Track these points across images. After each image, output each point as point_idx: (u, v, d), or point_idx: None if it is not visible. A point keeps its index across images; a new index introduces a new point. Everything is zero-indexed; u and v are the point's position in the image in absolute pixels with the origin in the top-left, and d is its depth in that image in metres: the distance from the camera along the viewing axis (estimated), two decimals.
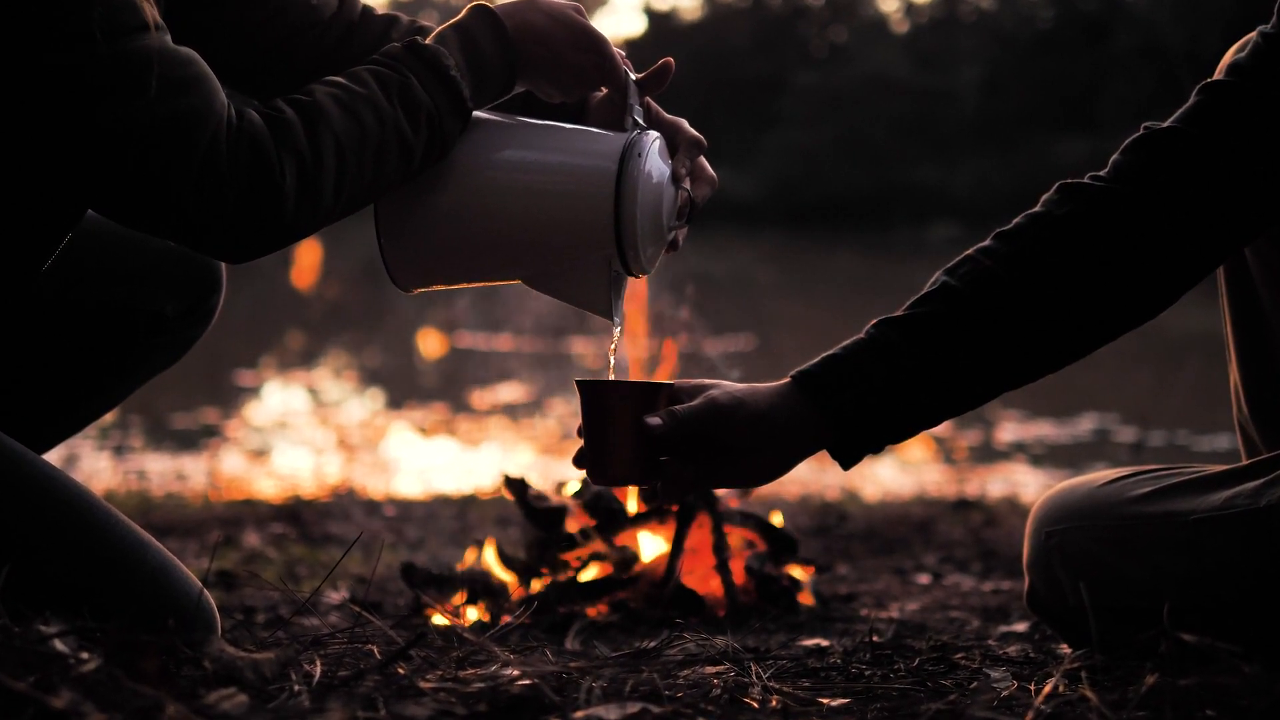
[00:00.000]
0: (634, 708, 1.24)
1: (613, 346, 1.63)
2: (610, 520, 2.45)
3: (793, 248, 24.00)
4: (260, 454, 5.85)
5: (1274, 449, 1.73)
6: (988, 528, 3.66)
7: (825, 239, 24.98)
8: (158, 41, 1.38)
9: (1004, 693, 1.45)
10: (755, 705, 1.36)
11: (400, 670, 1.35)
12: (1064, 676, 1.47)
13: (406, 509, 3.91)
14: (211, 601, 1.61)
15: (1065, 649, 1.81)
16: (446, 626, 2.08)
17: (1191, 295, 1.56)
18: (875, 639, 1.79)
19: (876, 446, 1.54)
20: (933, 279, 1.54)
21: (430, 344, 10.36)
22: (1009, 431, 6.61)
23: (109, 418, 5.85)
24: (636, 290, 2.73)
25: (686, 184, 1.61)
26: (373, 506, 3.97)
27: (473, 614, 2.36)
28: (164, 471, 5.18)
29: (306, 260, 19.04)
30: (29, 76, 1.34)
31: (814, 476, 4.99)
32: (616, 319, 1.60)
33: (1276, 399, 1.74)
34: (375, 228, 1.57)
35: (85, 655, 1.17)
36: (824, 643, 2.08)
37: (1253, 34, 1.55)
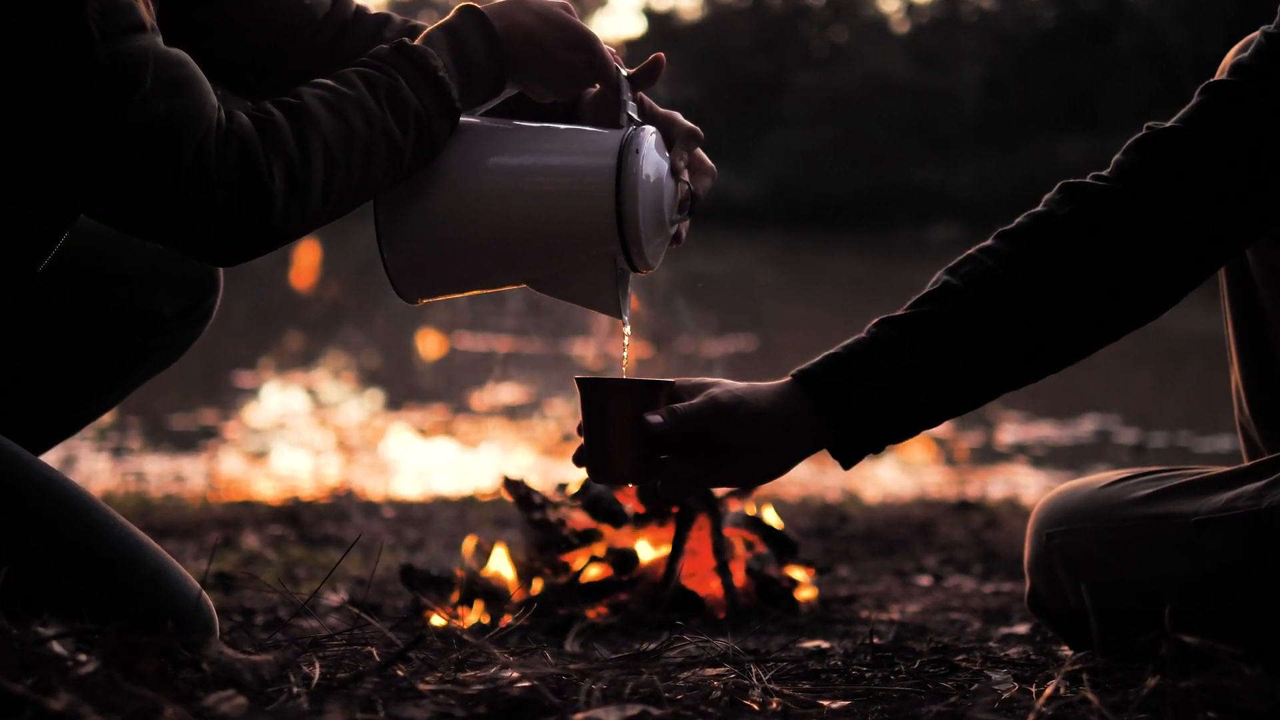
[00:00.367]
0: (634, 710, 1.24)
1: (625, 345, 1.63)
2: (610, 522, 2.45)
3: (793, 248, 24.00)
4: (259, 455, 5.85)
5: (1275, 450, 1.72)
6: (989, 529, 3.66)
7: (826, 239, 24.99)
8: (151, 42, 1.38)
9: (1005, 695, 1.45)
10: (755, 707, 1.36)
11: (399, 672, 1.35)
12: (1065, 678, 1.47)
13: (406, 510, 3.91)
14: (210, 603, 1.61)
15: (1066, 651, 1.81)
16: (445, 628, 2.08)
17: (1193, 296, 1.56)
18: (876, 641, 1.79)
19: (877, 446, 1.54)
20: (934, 278, 1.54)
21: (429, 345, 10.35)
22: (1010, 433, 6.60)
23: (107, 419, 5.85)
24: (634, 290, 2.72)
25: (685, 176, 1.61)
26: (372, 508, 3.97)
27: (472, 616, 2.36)
28: (162, 473, 5.18)
29: (305, 261, 19.05)
30: (24, 75, 1.33)
31: (814, 478, 4.98)
32: (624, 316, 1.59)
33: (1278, 400, 1.74)
34: (377, 241, 1.56)
35: (83, 657, 1.17)
36: (824, 644, 2.08)
37: (1255, 34, 1.54)
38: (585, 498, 2.48)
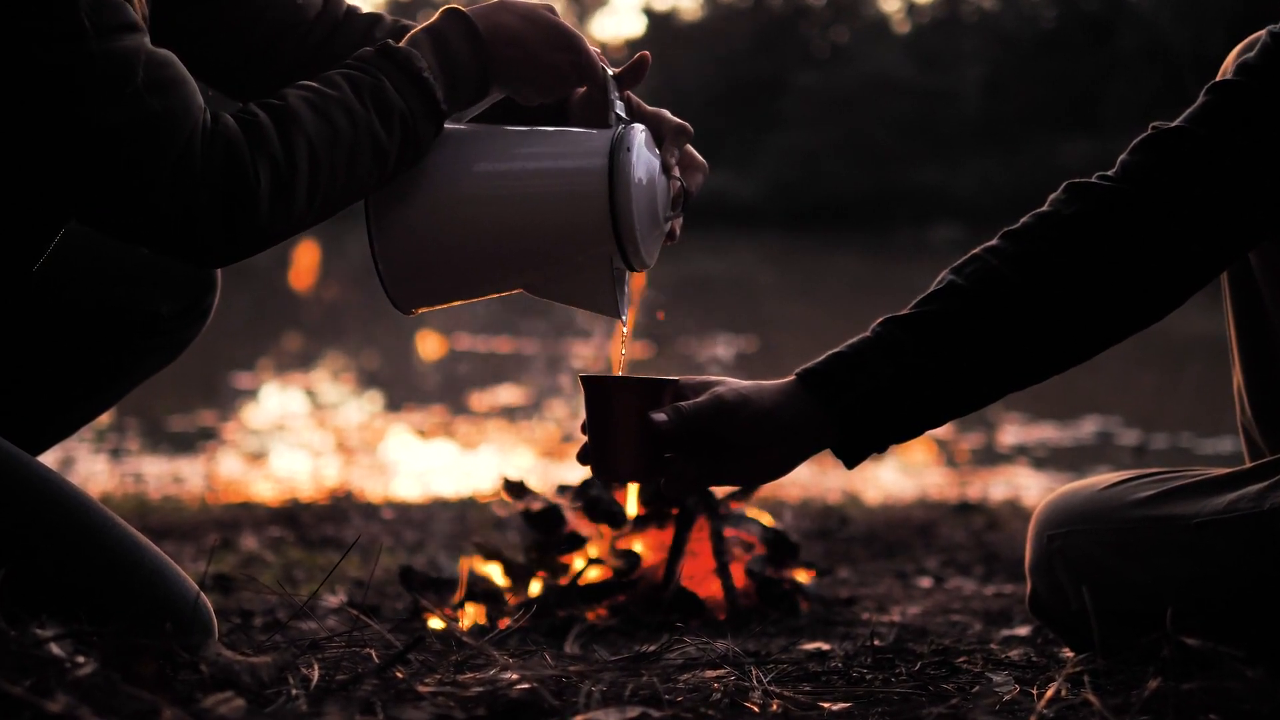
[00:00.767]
0: (634, 712, 1.24)
1: (623, 347, 1.62)
2: (610, 523, 2.45)
3: (794, 249, 24.02)
4: (258, 457, 5.85)
5: (1277, 451, 1.72)
6: (990, 531, 3.66)
7: (826, 240, 25.00)
8: (140, 42, 1.38)
9: (1006, 697, 1.44)
10: (756, 709, 1.36)
11: (398, 674, 1.35)
12: (1066, 680, 1.47)
13: (405, 512, 3.91)
14: (208, 605, 1.61)
15: (1067, 653, 1.81)
16: (445, 630, 2.07)
17: (1194, 298, 1.55)
18: (876, 643, 1.79)
19: (881, 446, 1.54)
20: (939, 277, 1.54)
21: (429, 346, 10.35)
22: (1011, 434, 6.60)
23: (105, 420, 5.85)
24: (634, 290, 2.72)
25: (676, 172, 1.61)
26: (371, 509, 3.96)
27: (471, 618, 2.35)
28: (161, 474, 5.18)
29: (304, 262, 19.06)
30: (15, 72, 1.33)
31: (815, 479, 4.98)
32: (623, 316, 1.59)
33: (1279, 401, 1.73)
34: (371, 254, 1.56)
35: (81, 659, 1.17)
36: (825, 646, 2.07)
37: (1261, 33, 1.54)
38: (585, 499, 2.48)
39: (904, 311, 1.52)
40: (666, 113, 1.64)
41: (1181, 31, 27.92)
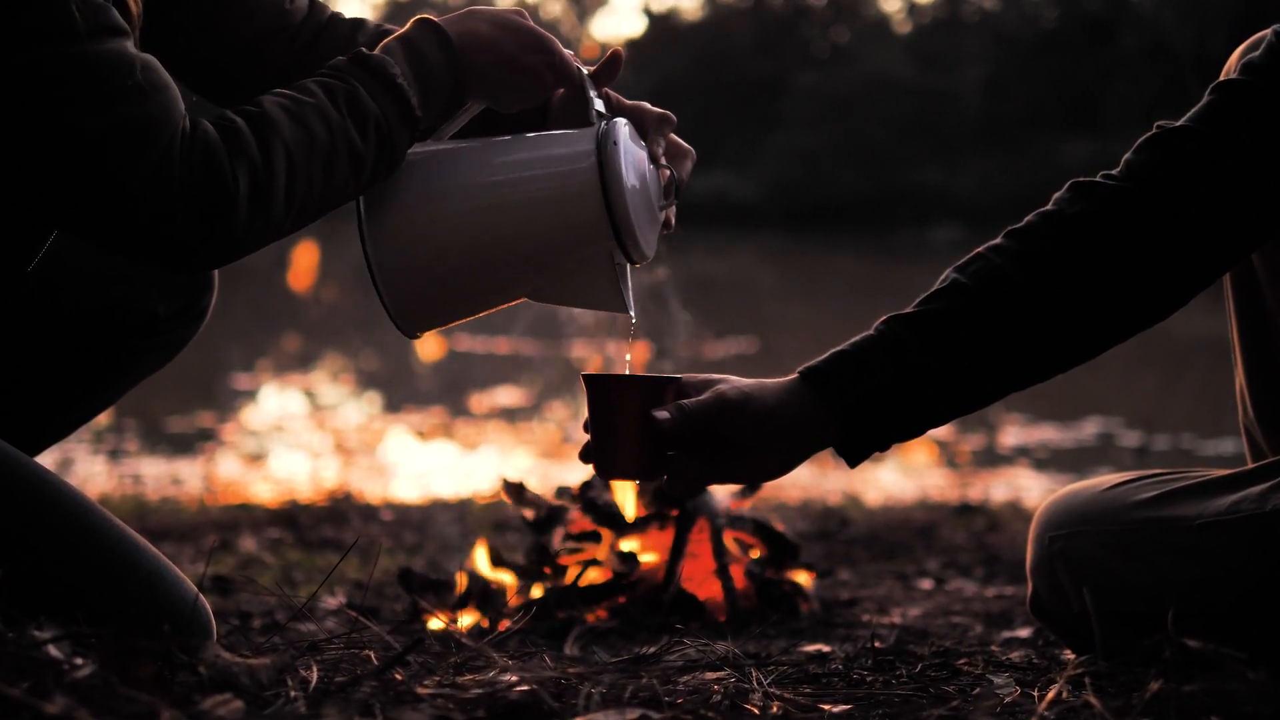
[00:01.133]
0: (633, 714, 1.24)
1: (630, 343, 1.62)
2: (610, 525, 2.44)
3: (794, 250, 24.02)
4: (256, 458, 5.85)
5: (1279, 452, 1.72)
6: (991, 532, 3.65)
7: (827, 241, 25.00)
8: (124, 46, 1.38)
9: (1007, 699, 1.44)
10: (756, 711, 1.36)
11: (398, 676, 1.35)
12: (1067, 682, 1.47)
13: (404, 513, 3.91)
14: (207, 606, 1.61)
15: (1069, 655, 1.81)
16: (444, 632, 2.07)
17: (1196, 298, 1.55)
18: (877, 645, 1.78)
19: (883, 444, 1.53)
20: (943, 276, 1.53)
21: (428, 347, 10.36)
22: (1012, 435, 6.60)
23: (103, 421, 5.85)
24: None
25: (664, 161, 1.61)
26: (370, 511, 3.96)
27: (471, 619, 2.35)
28: (159, 476, 5.18)
29: (303, 262, 19.06)
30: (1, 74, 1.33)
31: (815, 481, 4.98)
32: (631, 310, 1.59)
33: None
34: (373, 283, 1.56)
35: (79, 661, 1.17)
36: (825, 648, 2.07)
37: (1266, 32, 1.54)
38: (585, 500, 2.48)
39: (907, 310, 1.52)
40: (646, 104, 1.65)
41: (1183, 31, 27.92)
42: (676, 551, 2.41)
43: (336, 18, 1.73)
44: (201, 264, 1.44)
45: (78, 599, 1.48)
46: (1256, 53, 1.51)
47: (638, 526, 2.44)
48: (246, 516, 3.80)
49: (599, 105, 1.60)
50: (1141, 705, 1.31)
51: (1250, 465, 1.69)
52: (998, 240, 1.54)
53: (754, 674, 1.51)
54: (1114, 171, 1.54)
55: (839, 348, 1.52)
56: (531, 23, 1.60)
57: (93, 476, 5.08)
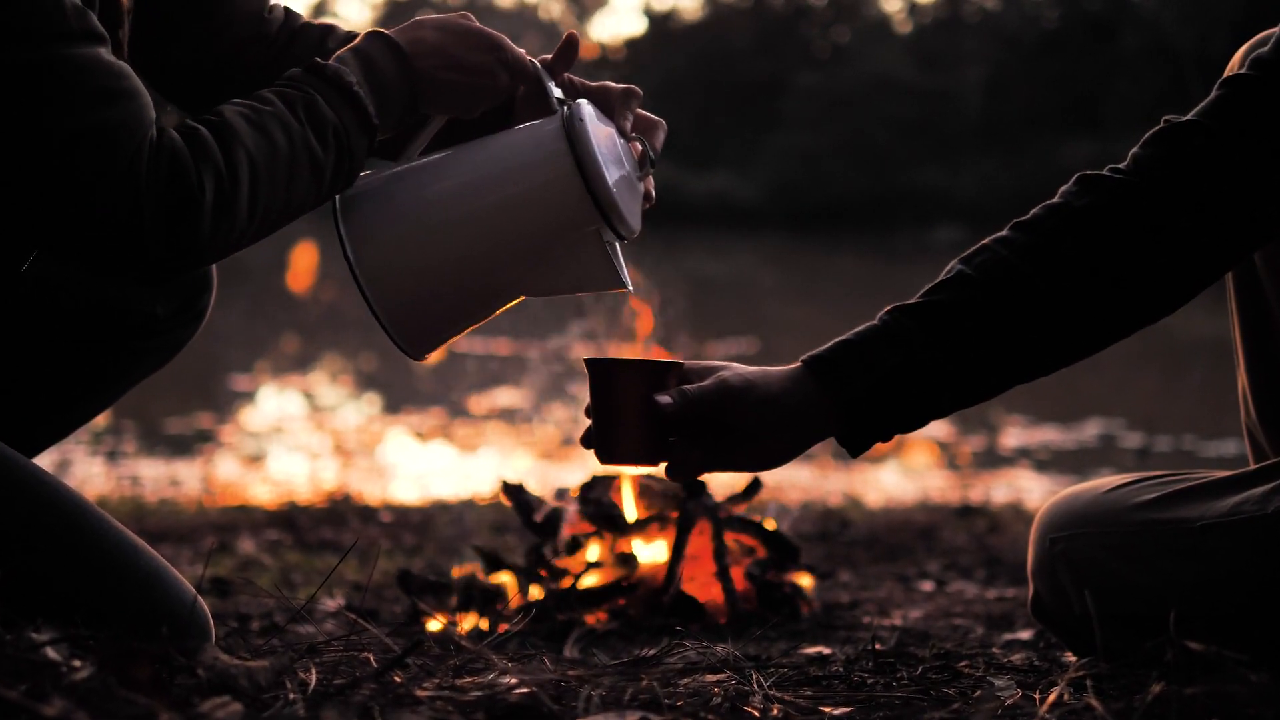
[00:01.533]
0: (633, 716, 1.24)
1: (634, 313, 1.63)
2: (610, 526, 2.44)
3: (795, 250, 24.02)
4: (255, 459, 5.85)
5: None
6: (992, 534, 3.65)
7: (827, 242, 25.00)
8: (97, 51, 1.38)
9: (1008, 701, 1.44)
10: (756, 714, 1.36)
11: (397, 678, 1.34)
12: (1069, 685, 1.46)
13: (403, 515, 3.90)
14: (205, 608, 1.60)
15: (1070, 657, 1.80)
16: (443, 634, 2.06)
17: (1198, 299, 1.54)
18: (878, 647, 1.78)
19: (886, 434, 1.53)
20: (948, 267, 1.53)
21: None
22: (1013, 437, 6.60)
23: (101, 422, 5.85)
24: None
25: (633, 134, 1.62)
26: (369, 513, 3.96)
27: (470, 621, 2.35)
28: (158, 477, 5.18)
29: (301, 263, 19.07)
30: None
31: (815, 483, 4.98)
32: (629, 285, 1.59)
33: None
34: (373, 314, 1.56)
35: (77, 663, 1.17)
36: (826, 650, 2.06)
37: (1276, 29, 1.53)
38: (584, 502, 2.47)
39: (912, 300, 1.52)
40: (609, 83, 1.66)
41: (1185, 32, 27.92)
42: (677, 553, 2.40)
43: (308, 25, 1.75)
44: (163, 273, 1.44)
45: (76, 601, 1.48)
46: (1265, 48, 1.51)
47: (638, 528, 2.44)
48: (245, 518, 3.80)
49: (557, 93, 1.61)
50: (1143, 708, 1.30)
51: (1252, 466, 1.69)
52: (1004, 232, 1.53)
53: (754, 676, 1.51)
54: (1121, 165, 1.53)
55: (843, 337, 1.52)
56: (477, 24, 1.62)
57: (91, 478, 5.08)
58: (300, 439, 6.47)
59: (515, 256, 1.56)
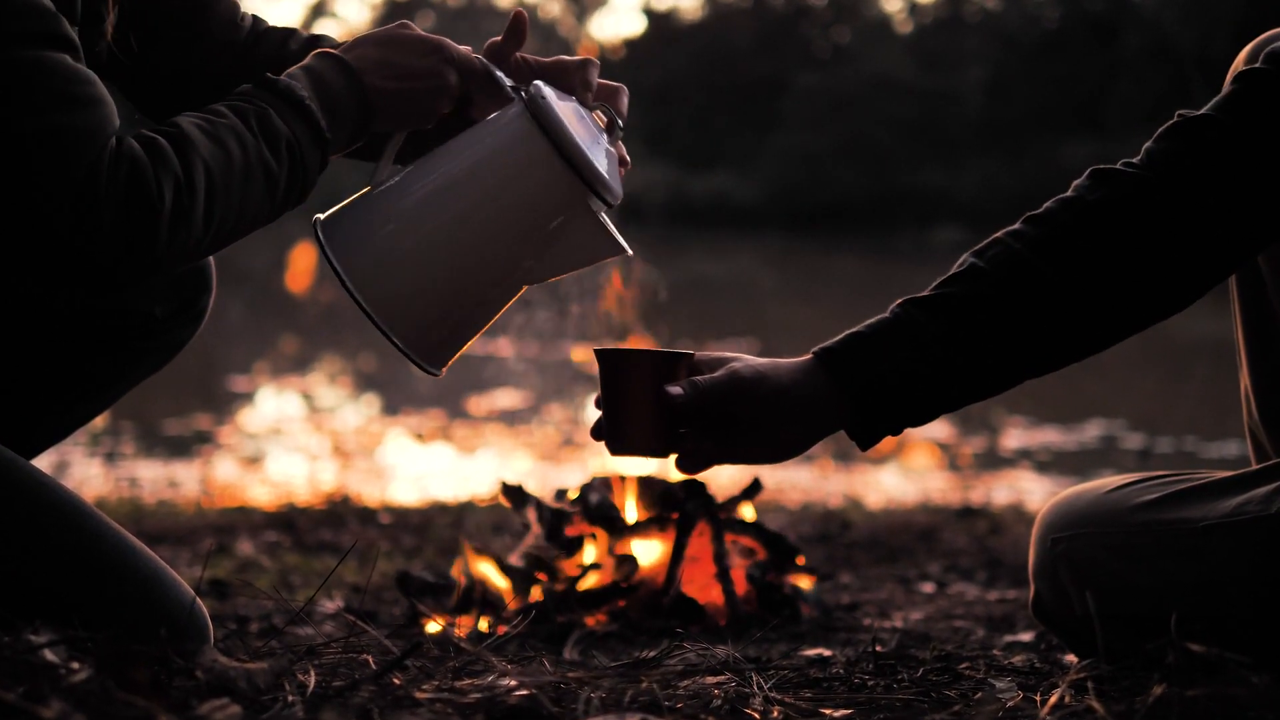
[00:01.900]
0: (633, 718, 1.23)
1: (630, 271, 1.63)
2: (609, 528, 2.43)
3: (795, 251, 24.02)
4: (254, 461, 5.85)
5: None
6: (993, 536, 3.65)
7: (828, 242, 25.01)
8: (65, 58, 1.38)
9: (1009, 703, 1.44)
10: (756, 716, 1.35)
11: (396, 680, 1.34)
12: (1070, 687, 1.46)
13: (402, 517, 3.90)
14: (204, 610, 1.60)
15: (1071, 659, 1.80)
16: (443, 636, 2.06)
17: (1200, 300, 1.54)
18: (878, 649, 1.78)
19: (895, 428, 1.52)
20: (960, 260, 1.53)
21: None
22: (1014, 438, 6.59)
23: (99, 423, 5.86)
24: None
25: (594, 103, 1.63)
26: (368, 514, 3.96)
27: (470, 623, 2.34)
28: (156, 478, 5.18)
29: (300, 264, 19.06)
30: None
31: (816, 484, 4.98)
32: (628, 249, 1.59)
33: None
34: (387, 337, 1.56)
35: (76, 665, 1.17)
36: (826, 652, 2.06)
37: None
38: (584, 503, 2.47)
39: (924, 293, 1.51)
40: (563, 57, 1.68)
41: (1186, 32, 27.90)
42: (676, 555, 2.40)
43: (272, 29, 1.78)
44: (116, 282, 1.44)
45: (74, 603, 1.48)
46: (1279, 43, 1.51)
47: (638, 529, 2.44)
48: (244, 520, 3.79)
49: (509, 82, 1.62)
50: (1144, 710, 1.30)
51: (1255, 466, 1.68)
52: (1016, 225, 1.53)
53: (755, 678, 1.51)
54: (1135, 159, 1.53)
55: (854, 329, 1.52)
56: (417, 30, 1.63)
57: (89, 479, 5.08)
58: (299, 440, 6.47)
59: (511, 248, 1.57)
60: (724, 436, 1.53)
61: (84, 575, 1.53)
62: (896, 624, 2.46)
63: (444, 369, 1.62)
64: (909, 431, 1.56)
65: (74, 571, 1.53)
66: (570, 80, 1.63)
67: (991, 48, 31.95)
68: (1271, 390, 1.73)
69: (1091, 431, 6.93)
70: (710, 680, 1.51)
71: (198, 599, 1.59)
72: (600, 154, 1.57)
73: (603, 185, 1.55)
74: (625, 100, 1.67)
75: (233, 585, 2.71)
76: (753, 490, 2.58)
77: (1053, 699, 1.39)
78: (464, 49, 1.63)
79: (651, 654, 1.66)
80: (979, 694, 1.50)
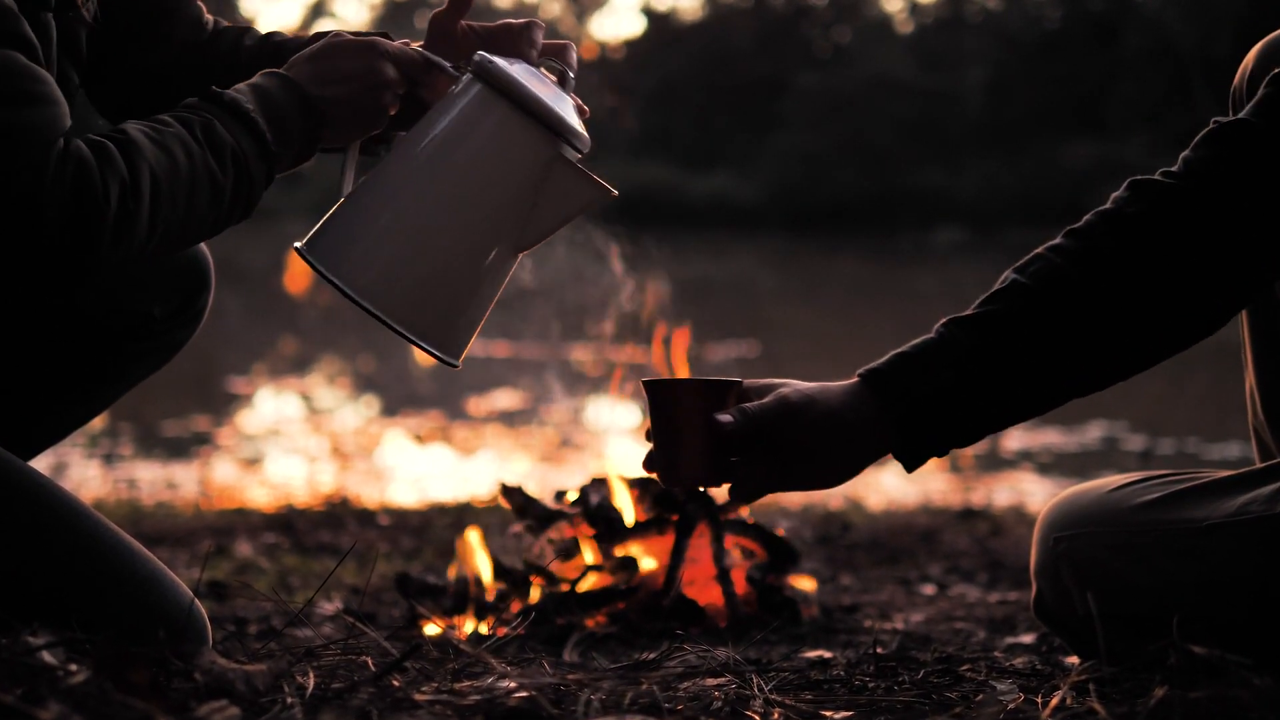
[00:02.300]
0: None
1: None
2: (610, 530, 2.43)
3: (795, 252, 24.01)
4: (252, 462, 5.85)
5: None
6: (994, 537, 3.64)
7: (828, 243, 25.00)
8: (19, 57, 1.39)
9: (1010, 705, 1.43)
10: (757, 718, 1.36)
11: (395, 682, 1.34)
12: (1071, 689, 1.46)
13: (401, 518, 3.90)
14: (203, 612, 1.60)
15: (1073, 660, 1.80)
16: (442, 637, 2.06)
17: None
18: (879, 650, 1.78)
19: (942, 449, 1.52)
20: (1003, 276, 1.52)
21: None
22: (1016, 439, 6.59)
23: (98, 424, 5.86)
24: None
25: (542, 60, 1.66)
26: (367, 516, 3.95)
27: (469, 625, 2.34)
28: (154, 480, 5.18)
29: (299, 265, 19.04)
30: None
31: None
32: (612, 190, 1.60)
33: None
34: (411, 342, 1.57)
35: (74, 667, 1.17)
36: (827, 654, 2.06)
37: None
38: (584, 505, 2.47)
39: (967, 312, 1.51)
40: (510, 20, 1.70)
41: (1188, 32, 27.88)
42: (677, 556, 2.40)
43: (230, 26, 1.81)
44: (54, 283, 1.44)
45: (72, 604, 1.48)
46: None
47: (638, 531, 2.43)
48: (242, 521, 3.79)
49: (448, 64, 1.64)
50: (1146, 712, 1.30)
51: (1259, 465, 1.68)
52: (1057, 240, 1.52)
53: (755, 680, 1.51)
54: (1172, 169, 1.52)
55: (900, 349, 1.51)
56: (347, 35, 1.64)
57: (87, 481, 5.08)
58: (298, 441, 6.47)
59: (498, 216, 1.58)
60: (776, 462, 1.52)
61: (82, 577, 1.53)
62: (897, 626, 2.45)
63: (461, 358, 1.62)
64: None
65: (72, 573, 1.53)
66: (518, 43, 1.66)
67: (992, 48, 31.94)
68: (1276, 390, 1.73)
69: (1093, 433, 6.92)
70: (710, 682, 1.51)
71: (196, 600, 1.59)
72: (562, 104, 1.59)
73: (570, 132, 1.57)
74: (574, 54, 1.70)
75: (231, 587, 2.70)
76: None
77: (1054, 701, 1.39)
78: (398, 43, 1.64)
79: (651, 656, 1.66)
80: (980, 696, 1.50)
